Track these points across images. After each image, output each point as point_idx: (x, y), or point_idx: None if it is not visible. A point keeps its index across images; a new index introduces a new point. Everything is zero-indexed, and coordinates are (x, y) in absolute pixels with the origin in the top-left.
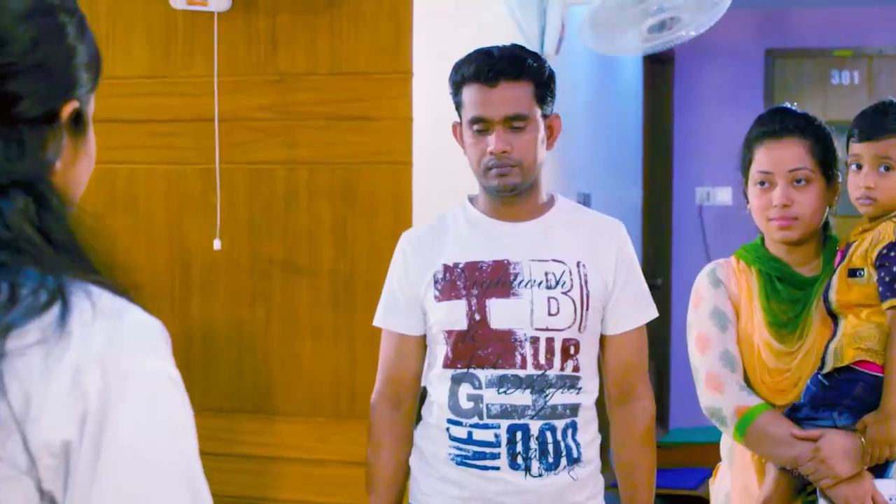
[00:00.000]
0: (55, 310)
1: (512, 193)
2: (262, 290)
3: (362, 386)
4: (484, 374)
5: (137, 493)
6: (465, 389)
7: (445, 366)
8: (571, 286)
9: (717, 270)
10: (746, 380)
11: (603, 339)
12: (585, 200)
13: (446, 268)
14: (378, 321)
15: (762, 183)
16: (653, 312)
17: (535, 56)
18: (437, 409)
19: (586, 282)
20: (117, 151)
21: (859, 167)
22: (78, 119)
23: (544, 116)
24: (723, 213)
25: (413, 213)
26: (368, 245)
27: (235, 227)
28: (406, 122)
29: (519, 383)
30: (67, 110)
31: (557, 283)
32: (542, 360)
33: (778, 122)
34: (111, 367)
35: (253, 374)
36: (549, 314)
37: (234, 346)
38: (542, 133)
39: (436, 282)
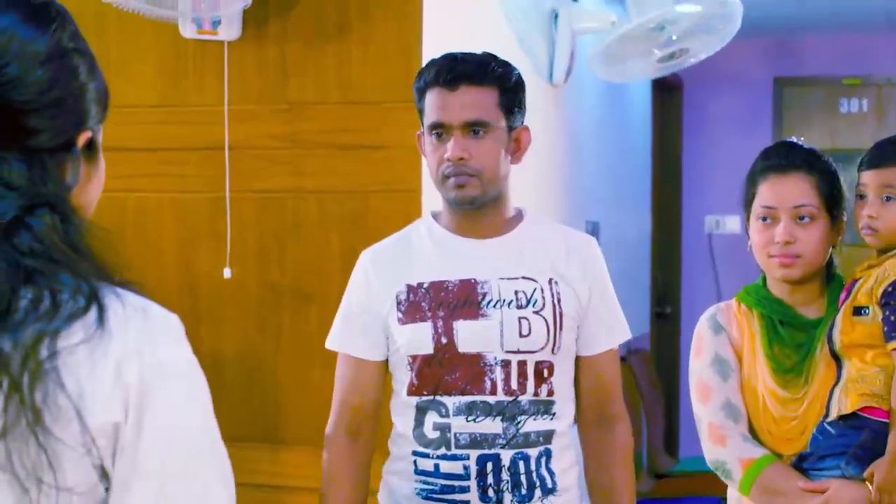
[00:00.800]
0: (93, 311)
1: (472, 207)
2: (271, 318)
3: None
4: (451, 402)
5: (174, 464)
6: (431, 418)
7: (410, 393)
8: (544, 305)
9: (717, 315)
10: (752, 430)
11: (577, 360)
12: (594, 229)
13: (410, 288)
14: (332, 344)
15: (764, 218)
16: (627, 333)
17: (503, 63)
18: (401, 440)
19: (559, 300)
20: (127, 180)
21: (862, 197)
22: (90, 146)
23: (510, 128)
24: (732, 241)
25: None
26: None
27: (244, 256)
28: (415, 151)
29: (489, 410)
30: (82, 139)
31: (529, 301)
32: (513, 384)
33: (784, 157)
34: (146, 358)
35: (262, 403)
36: (521, 335)
37: (244, 375)
38: (505, 143)
39: (399, 303)
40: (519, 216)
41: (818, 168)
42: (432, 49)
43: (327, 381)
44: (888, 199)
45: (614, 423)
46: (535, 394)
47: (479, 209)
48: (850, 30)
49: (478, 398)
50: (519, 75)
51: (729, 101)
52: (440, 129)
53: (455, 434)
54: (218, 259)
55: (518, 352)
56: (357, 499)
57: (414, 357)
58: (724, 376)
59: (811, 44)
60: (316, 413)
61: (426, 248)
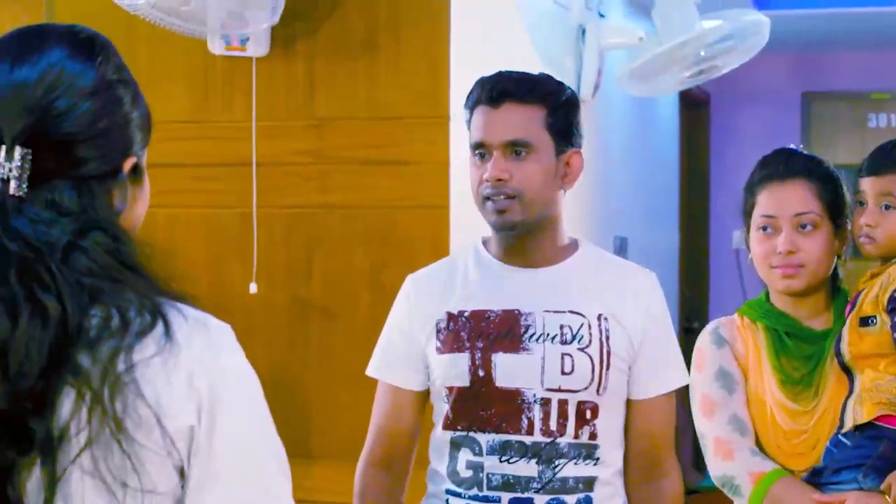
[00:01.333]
0: (160, 326)
1: (514, 233)
2: (299, 334)
3: None
4: (485, 439)
5: (243, 460)
6: (464, 455)
7: (445, 427)
8: (590, 342)
9: (720, 329)
10: (759, 446)
11: (627, 404)
12: (622, 244)
13: (450, 316)
14: (372, 370)
15: (765, 228)
16: (684, 377)
17: (555, 82)
18: (437, 477)
19: (607, 337)
20: (156, 195)
21: (862, 204)
22: (135, 170)
23: (560, 151)
24: None
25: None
26: None
27: (272, 271)
28: (443, 167)
29: (524, 451)
30: (127, 165)
31: (574, 337)
32: (552, 425)
33: (783, 164)
34: (212, 366)
35: (290, 418)
36: (563, 372)
37: (271, 390)
38: (552, 166)
39: (438, 331)
40: (573, 246)
41: (819, 175)
42: (460, 65)
43: (354, 395)
44: (887, 207)
45: (662, 477)
46: (576, 436)
47: (526, 236)
48: (878, 45)
49: (513, 437)
50: (572, 95)
51: (757, 116)
52: (482, 149)
53: (487, 474)
54: (246, 274)
55: (559, 390)
56: None
57: (450, 389)
58: (730, 390)
59: (839, 58)
60: (344, 427)
61: (470, 276)
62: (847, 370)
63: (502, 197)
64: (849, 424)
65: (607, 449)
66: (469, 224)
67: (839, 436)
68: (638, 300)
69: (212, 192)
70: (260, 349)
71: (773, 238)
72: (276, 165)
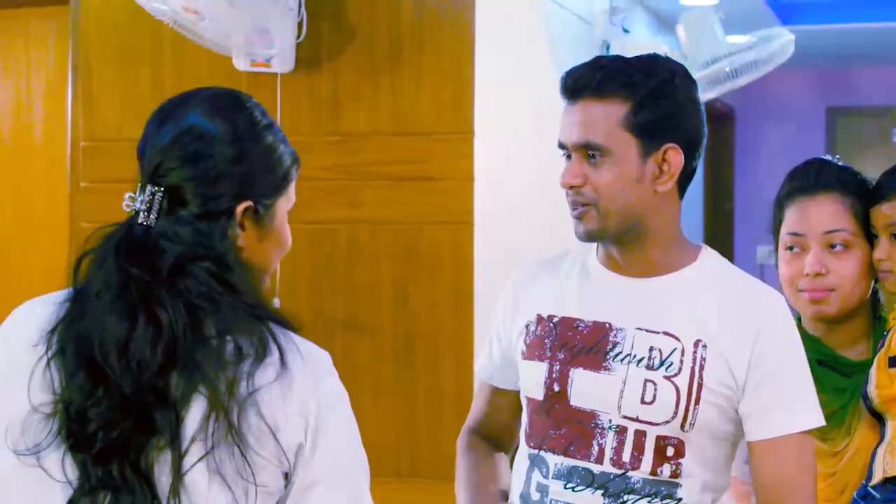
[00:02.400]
0: (276, 354)
1: (598, 241)
2: (324, 348)
3: (424, 445)
4: (553, 461)
5: (338, 470)
6: (535, 477)
7: (525, 440)
8: (679, 370)
9: None
10: None
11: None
12: None
13: (539, 319)
14: (475, 364)
15: (791, 247)
16: (809, 420)
17: (648, 68)
18: (514, 494)
19: (702, 367)
20: None
21: (876, 236)
22: (255, 212)
23: (649, 151)
24: None
25: (474, 271)
26: (430, 304)
27: (297, 286)
28: (467, 182)
29: (590, 480)
30: (240, 208)
31: (662, 363)
32: (625, 456)
33: (813, 176)
34: (319, 392)
35: None
36: (643, 401)
37: None
38: (636, 169)
39: (526, 334)
40: (692, 255)
41: (853, 188)
42: (484, 80)
43: (378, 411)
44: (895, 236)
45: None
46: (654, 472)
47: (622, 244)
48: None
49: (580, 464)
50: (666, 82)
51: (781, 132)
52: (563, 151)
53: (552, 500)
54: (270, 289)
55: (636, 420)
56: (486, 476)
57: (529, 400)
58: None
59: (864, 74)
60: (367, 443)
61: (572, 278)
62: (877, 415)
63: (579, 205)
64: (878, 476)
65: (693, 491)
66: (493, 239)
67: (868, 487)
68: (750, 330)
69: None
70: None
71: (800, 258)
72: (301, 180)
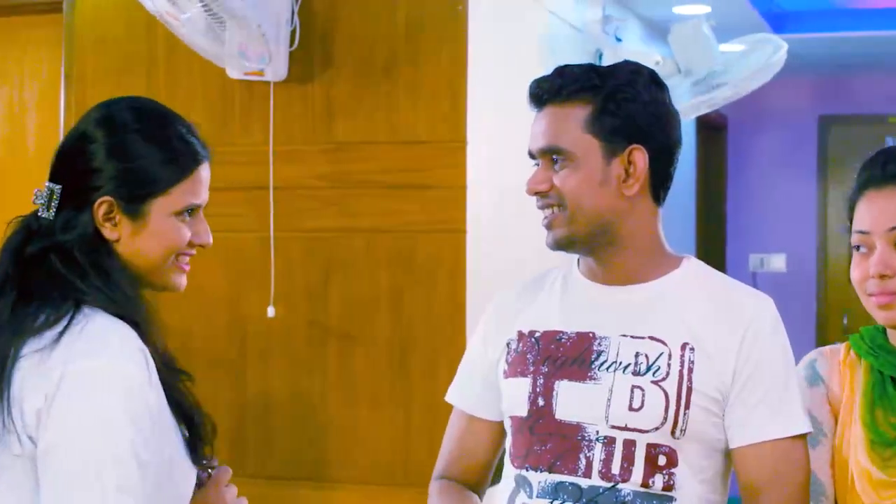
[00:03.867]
0: (60, 328)
1: (570, 250)
2: (319, 358)
3: (419, 454)
4: (537, 479)
5: (71, 445)
6: (520, 498)
7: (510, 462)
8: (667, 374)
9: (818, 362)
10: None
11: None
12: None
13: (521, 336)
14: (448, 395)
15: (858, 247)
16: (794, 426)
17: (613, 70)
18: None
19: (690, 370)
20: None
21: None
22: (123, 210)
23: (613, 152)
24: (777, 280)
25: (467, 280)
26: (425, 313)
27: (292, 295)
28: (460, 191)
29: (577, 496)
30: (97, 205)
31: (649, 368)
32: (614, 468)
33: (880, 167)
34: (69, 368)
35: (310, 442)
36: (631, 408)
37: (291, 414)
38: (598, 173)
39: (508, 352)
40: (674, 263)
41: None
42: (477, 89)
43: (373, 420)
44: None
45: None
46: (645, 484)
47: (598, 252)
48: None
49: (567, 479)
50: (629, 82)
51: (773, 139)
52: (533, 158)
53: None
54: (265, 299)
55: (625, 428)
56: None
57: (512, 419)
58: (813, 442)
59: (856, 82)
60: (363, 452)
61: (554, 292)
62: None
63: (547, 208)
64: None
65: (689, 502)
66: (485, 248)
67: None
68: (737, 330)
69: (230, 215)
70: (278, 372)
71: (868, 259)
72: (294, 189)
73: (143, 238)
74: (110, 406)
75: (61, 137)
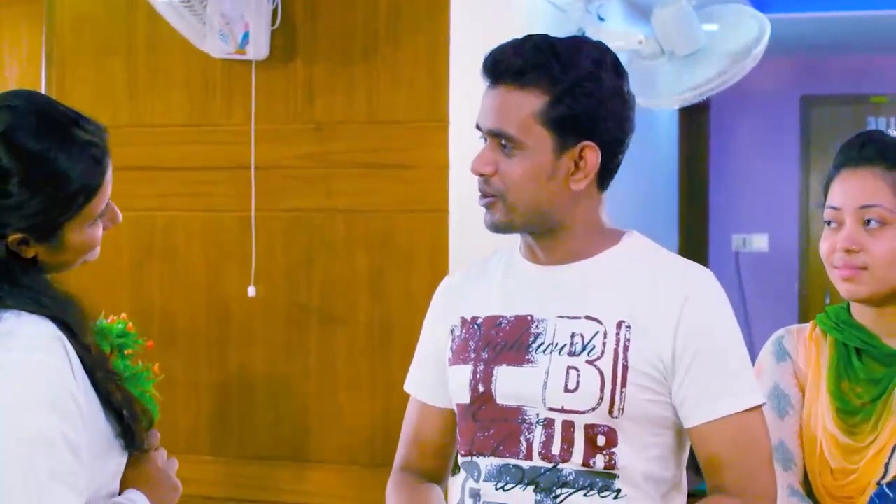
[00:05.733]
0: None
1: (505, 233)
2: (299, 339)
3: (398, 434)
4: (484, 464)
5: None
6: (468, 483)
7: (460, 450)
8: (602, 354)
9: (784, 339)
10: (807, 480)
11: (689, 434)
12: None
13: (464, 322)
14: (405, 383)
15: (829, 222)
16: (749, 398)
17: (576, 58)
18: None
19: (626, 349)
20: (155, 199)
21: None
22: (42, 237)
23: (563, 147)
24: (759, 259)
25: (449, 261)
26: (405, 294)
27: (272, 276)
28: (442, 171)
29: (520, 477)
30: (11, 240)
31: (584, 348)
32: (554, 449)
33: (857, 149)
34: None
35: (290, 423)
36: (566, 389)
37: (271, 395)
38: (547, 166)
39: (453, 339)
40: (613, 239)
41: None
42: (459, 69)
43: (354, 400)
44: (869, 222)
45: None
46: (586, 464)
47: (536, 235)
48: (877, 48)
49: (510, 462)
50: (588, 76)
51: (756, 120)
52: (480, 132)
53: (484, 503)
54: (245, 279)
55: (563, 410)
56: None
57: (458, 406)
58: (781, 413)
59: (838, 62)
60: (342, 431)
61: (495, 277)
62: None
63: (487, 195)
64: (892, 473)
65: (633, 483)
66: (468, 228)
67: (884, 486)
68: (675, 305)
69: (211, 195)
70: (259, 353)
71: (837, 233)
72: (276, 169)
73: (60, 254)
74: (30, 395)
75: None
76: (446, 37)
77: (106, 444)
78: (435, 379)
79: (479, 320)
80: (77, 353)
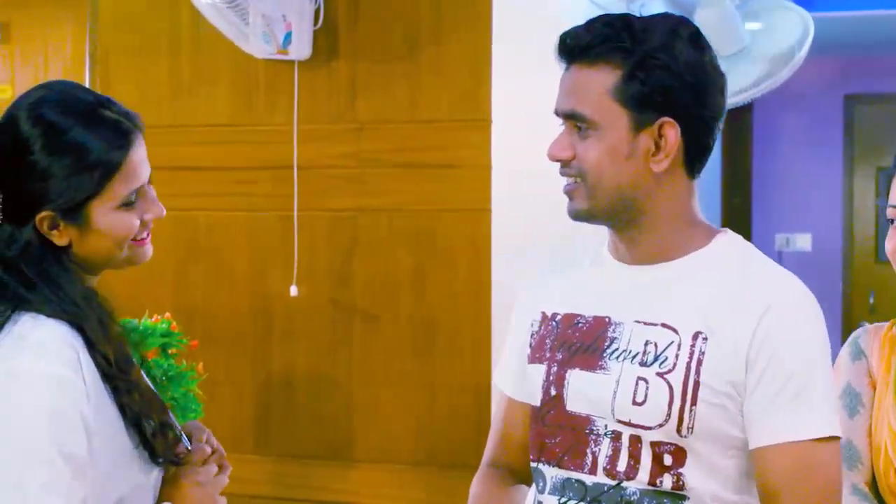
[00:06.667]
0: None
1: (588, 221)
2: (342, 337)
3: (441, 432)
4: (550, 474)
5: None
6: (534, 493)
7: (530, 452)
8: (674, 367)
9: (861, 338)
10: (873, 483)
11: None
12: None
13: (544, 317)
14: (493, 374)
15: (892, 221)
16: (819, 428)
17: (650, 29)
18: None
19: (699, 363)
20: (198, 198)
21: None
22: (69, 216)
23: (641, 124)
24: (803, 259)
25: (492, 259)
26: (447, 292)
27: (315, 274)
28: (485, 170)
29: (583, 493)
30: (39, 219)
31: (656, 358)
32: (619, 465)
33: None
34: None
35: (332, 421)
36: (634, 402)
37: (314, 393)
38: (625, 145)
39: (531, 335)
40: (703, 239)
41: None
42: (501, 68)
43: (397, 398)
44: None
45: None
46: (653, 483)
47: (618, 228)
48: None
49: (574, 475)
50: (667, 44)
51: (799, 119)
52: (560, 118)
53: None
54: (288, 277)
55: (630, 424)
56: None
57: (531, 408)
58: (852, 412)
59: (881, 61)
60: (385, 429)
61: (580, 271)
62: None
63: (568, 179)
64: None
65: None
66: (510, 227)
67: None
68: (754, 315)
69: (253, 195)
70: (301, 351)
71: None
72: (318, 169)
73: (92, 239)
74: (30, 405)
75: None
76: (488, 35)
77: (124, 455)
78: (518, 372)
79: (558, 317)
80: (94, 360)
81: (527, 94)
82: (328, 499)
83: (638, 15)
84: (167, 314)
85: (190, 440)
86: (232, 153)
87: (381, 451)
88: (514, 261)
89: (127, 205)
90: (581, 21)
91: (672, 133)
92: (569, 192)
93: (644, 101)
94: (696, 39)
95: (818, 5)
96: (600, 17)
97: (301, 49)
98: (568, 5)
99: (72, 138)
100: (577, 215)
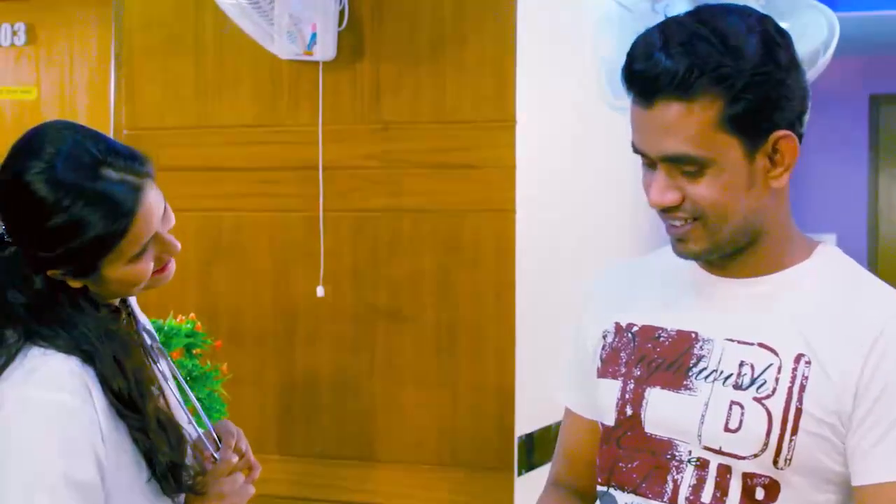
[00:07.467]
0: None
1: (704, 259)
2: (366, 338)
3: (465, 433)
4: (623, 501)
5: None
6: None
7: (597, 473)
8: (773, 392)
9: None
10: None
11: (855, 493)
12: None
13: (618, 328)
14: (555, 387)
15: None
16: None
17: (742, 45)
18: None
19: (801, 388)
20: (223, 199)
21: None
22: (80, 275)
23: (755, 146)
24: None
25: (516, 260)
26: (472, 293)
27: (339, 275)
28: (510, 171)
29: None
30: (51, 274)
31: (753, 382)
32: (704, 497)
33: None
34: (7, 395)
35: (356, 421)
36: (727, 428)
37: (338, 394)
38: (743, 173)
39: (603, 346)
40: (804, 253)
41: None
42: (526, 68)
43: (420, 400)
44: None
45: None
46: None
47: (736, 253)
48: None
49: (651, 503)
50: (764, 55)
51: (824, 119)
52: (643, 157)
53: None
54: (313, 278)
55: (720, 452)
56: None
57: (602, 427)
58: None
59: None
60: (409, 431)
61: (658, 277)
62: None
63: (681, 222)
64: None
65: None
66: (535, 228)
67: None
68: (866, 340)
69: (278, 195)
70: (326, 352)
71: None
72: (343, 169)
73: (106, 285)
74: (39, 435)
75: (111, 119)
76: (513, 36)
77: (136, 487)
78: (582, 387)
79: (635, 328)
80: (106, 395)
81: (552, 94)
82: (351, 499)
83: (681, 18)
84: (191, 314)
85: (220, 441)
86: (257, 154)
87: (404, 451)
88: (539, 262)
89: (139, 255)
90: (604, 20)
91: (789, 145)
92: (682, 235)
93: (755, 123)
94: (780, 29)
95: (843, 5)
96: (668, 32)
97: (326, 50)
98: (593, 4)
99: (73, 216)
100: (694, 256)
